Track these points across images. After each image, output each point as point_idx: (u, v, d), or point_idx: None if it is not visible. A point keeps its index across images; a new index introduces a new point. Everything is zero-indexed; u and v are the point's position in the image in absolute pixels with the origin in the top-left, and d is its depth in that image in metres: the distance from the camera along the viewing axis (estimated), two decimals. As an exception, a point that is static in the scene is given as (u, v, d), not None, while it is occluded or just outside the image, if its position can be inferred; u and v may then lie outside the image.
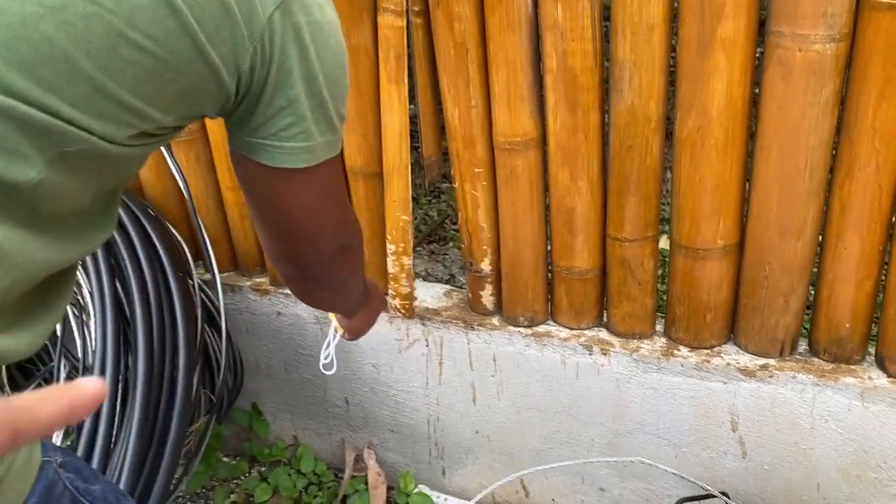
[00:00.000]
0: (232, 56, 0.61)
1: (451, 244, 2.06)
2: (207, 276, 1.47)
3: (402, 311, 1.37)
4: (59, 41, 0.52)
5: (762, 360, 1.21)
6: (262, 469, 1.65)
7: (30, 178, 0.54)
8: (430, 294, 1.43)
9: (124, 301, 1.30)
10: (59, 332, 1.37)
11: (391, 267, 1.33)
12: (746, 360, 1.22)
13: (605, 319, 1.31)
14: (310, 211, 0.77)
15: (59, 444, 1.26)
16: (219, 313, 1.44)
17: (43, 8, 0.51)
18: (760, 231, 1.12)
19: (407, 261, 1.31)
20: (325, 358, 1.08)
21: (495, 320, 1.35)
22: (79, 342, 1.30)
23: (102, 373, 1.18)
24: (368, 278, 0.99)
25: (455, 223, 1.97)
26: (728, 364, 1.22)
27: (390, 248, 1.31)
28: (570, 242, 1.23)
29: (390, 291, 1.36)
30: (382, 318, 1.41)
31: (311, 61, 0.67)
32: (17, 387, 1.51)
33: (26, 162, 0.54)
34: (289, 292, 1.47)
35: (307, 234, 0.79)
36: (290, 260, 0.82)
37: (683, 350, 1.25)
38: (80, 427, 1.19)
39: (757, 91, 1.05)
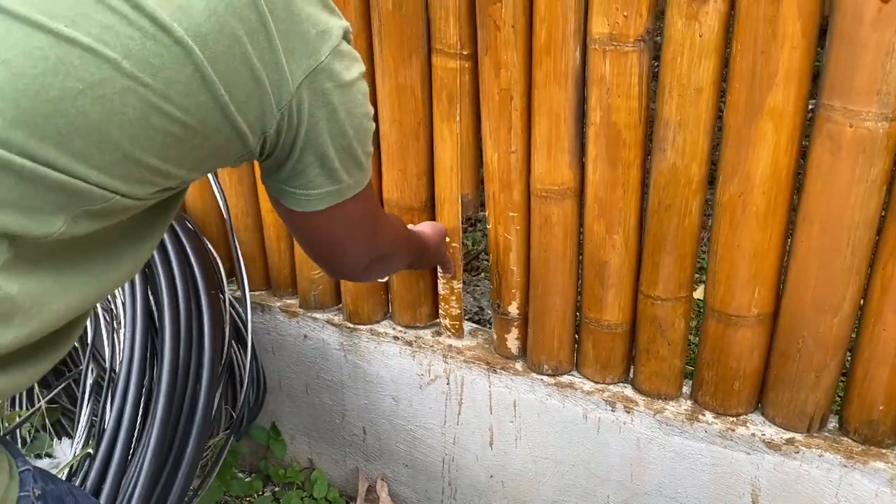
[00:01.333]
0: (259, 122, 0.63)
1: (483, 275, 2.06)
2: (239, 293, 1.48)
3: (452, 331, 1.38)
4: (94, 114, 0.54)
5: (789, 434, 1.17)
6: (276, 490, 1.65)
7: (52, 231, 0.56)
8: (456, 332, 1.42)
9: (155, 311, 1.32)
10: (89, 337, 1.40)
11: (442, 289, 1.36)
12: (772, 432, 1.18)
13: (630, 376, 1.29)
14: (339, 238, 0.83)
15: (79, 450, 1.28)
16: (246, 330, 1.45)
17: (83, 84, 0.53)
18: (796, 303, 1.09)
19: (457, 284, 1.34)
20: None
21: (518, 365, 1.34)
22: (107, 349, 1.33)
23: (128, 381, 1.20)
24: (413, 233, 1.12)
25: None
26: (753, 434, 1.18)
27: (440, 272, 1.34)
28: (601, 295, 1.22)
29: (440, 312, 1.39)
30: (405, 351, 1.41)
31: (340, 120, 0.69)
32: (47, 385, 1.54)
33: (51, 218, 0.55)
34: (317, 316, 1.48)
35: (338, 254, 0.86)
36: (328, 268, 0.92)
37: (709, 415, 1.22)
38: (100, 434, 1.21)
39: (802, 162, 1.03)
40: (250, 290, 1.49)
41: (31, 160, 0.53)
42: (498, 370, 1.34)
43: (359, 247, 0.87)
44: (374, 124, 0.76)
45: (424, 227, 1.22)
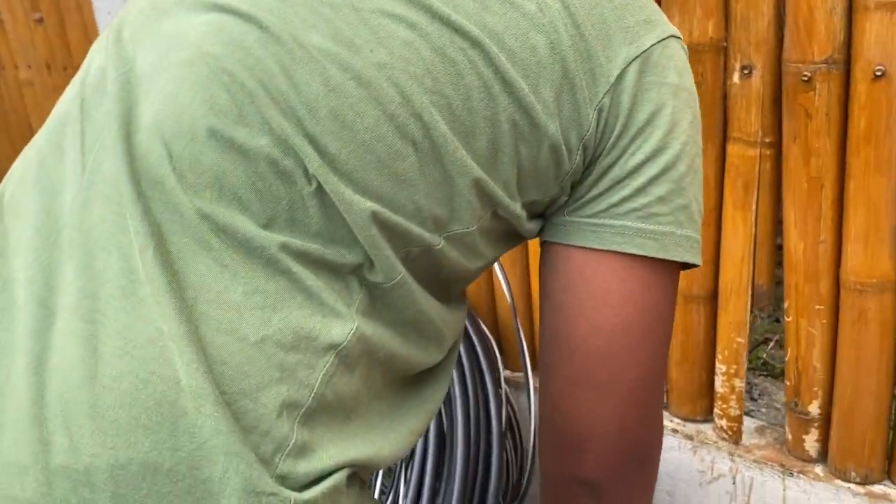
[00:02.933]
0: (574, 124, 0.55)
1: (758, 373, 1.94)
2: (507, 373, 1.52)
3: (729, 434, 1.31)
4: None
5: None
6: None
7: (394, 277, 0.54)
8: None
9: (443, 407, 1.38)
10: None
11: (720, 387, 1.29)
12: None
13: (958, 491, 1.14)
14: (626, 336, 0.57)
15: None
16: (514, 416, 1.47)
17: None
18: None
19: (739, 383, 1.27)
20: None
21: (818, 469, 1.24)
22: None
23: (423, 465, 1.25)
24: None
25: (769, 350, 1.86)
26: None
27: (721, 368, 1.28)
28: (924, 399, 1.10)
29: (716, 412, 1.32)
30: (685, 445, 1.36)
31: (664, 126, 0.55)
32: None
33: (392, 261, 0.54)
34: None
35: (602, 378, 0.58)
36: (567, 462, 0.61)
37: None
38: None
39: None
40: (512, 371, 1.52)
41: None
42: (795, 473, 1.24)
43: (644, 378, 0.58)
44: (702, 172, 0.60)
45: None
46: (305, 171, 0.52)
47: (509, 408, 1.49)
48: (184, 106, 0.52)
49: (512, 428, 1.45)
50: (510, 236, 0.62)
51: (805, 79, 1.05)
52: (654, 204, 0.55)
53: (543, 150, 0.55)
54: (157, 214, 0.51)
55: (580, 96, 0.55)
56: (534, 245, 1.45)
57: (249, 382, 0.50)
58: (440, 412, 1.33)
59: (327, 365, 0.52)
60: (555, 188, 0.57)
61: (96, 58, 0.59)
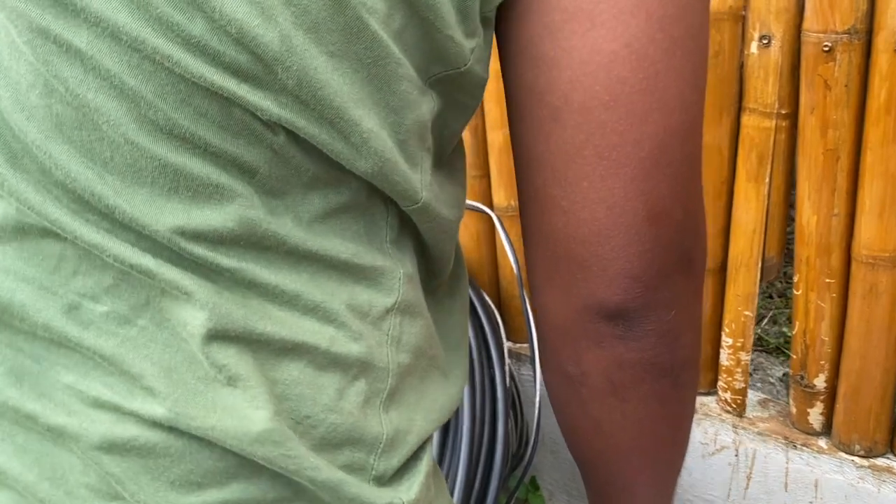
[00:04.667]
0: None
1: (762, 347, 1.95)
2: (509, 345, 1.51)
3: (733, 406, 1.32)
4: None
5: None
6: (533, 545, 1.64)
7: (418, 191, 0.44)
8: (743, 400, 1.36)
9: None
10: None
11: (725, 360, 1.29)
12: None
13: (961, 464, 1.15)
14: (640, 62, 0.38)
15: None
16: (518, 394, 1.47)
17: None
18: None
19: (744, 356, 1.27)
20: None
21: (822, 442, 1.25)
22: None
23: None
24: None
25: (763, 325, 1.86)
26: None
27: (727, 341, 1.28)
28: (931, 373, 1.11)
29: (721, 384, 1.32)
30: (688, 417, 1.36)
31: None
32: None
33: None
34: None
35: (612, 140, 0.39)
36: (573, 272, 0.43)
37: None
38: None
39: None
40: (514, 342, 1.52)
41: None
42: (798, 446, 1.25)
43: (676, 142, 0.40)
44: None
45: None
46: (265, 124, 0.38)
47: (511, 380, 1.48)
48: None
49: (514, 399, 1.45)
50: None
51: (826, 49, 1.04)
52: None
53: None
54: None
55: None
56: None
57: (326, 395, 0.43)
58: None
59: (391, 329, 0.45)
60: None
61: None
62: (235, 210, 0.38)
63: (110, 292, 0.38)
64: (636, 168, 0.40)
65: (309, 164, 0.40)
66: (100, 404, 0.39)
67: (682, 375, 0.47)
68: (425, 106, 0.42)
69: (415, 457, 0.47)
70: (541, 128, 0.41)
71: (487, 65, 0.44)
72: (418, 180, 0.43)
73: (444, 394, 0.50)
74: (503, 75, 0.45)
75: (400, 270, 0.45)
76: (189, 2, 0.34)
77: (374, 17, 0.37)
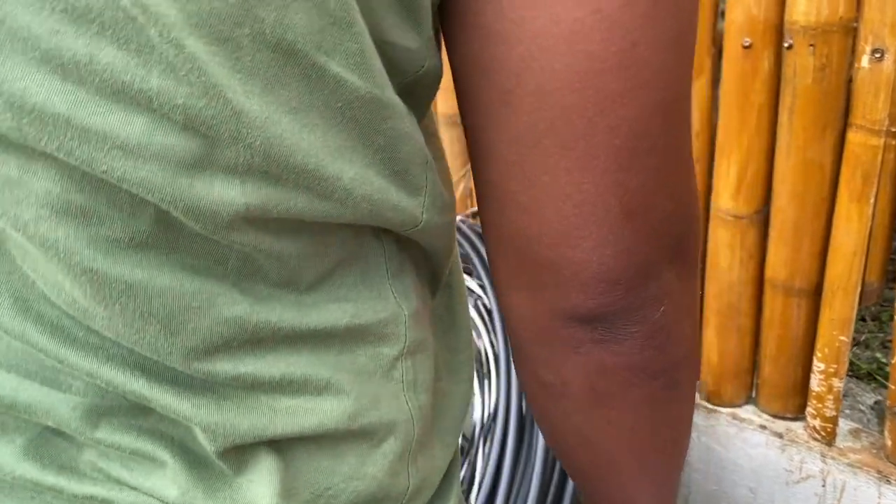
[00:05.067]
0: None
1: (852, 372, 1.87)
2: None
3: (822, 434, 1.26)
4: None
5: None
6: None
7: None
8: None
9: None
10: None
11: (816, 386, 1.24)
12: None
13: None
14: (612, 29, 0.31)
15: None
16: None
17: None
18: None
19: (837, 383, 1.22)
20: None
21: (919, 479, 1.18)
22: (478, 400, 1.38)
23: (505, 431, 1.24)
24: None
25: (853, 349, 1.78)
26: None
27: (819, 366, 1.22)
28: None
29: (810, 411, 1.27)
30: (773, 442, 1.31)
31: None
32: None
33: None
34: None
35: (580, 124, 0.32)
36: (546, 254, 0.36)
37: None
38: (470, 480, 1.26)
39: None
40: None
41: None
42: (893, 481, 1.19)
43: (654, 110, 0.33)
44: None
45: None
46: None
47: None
48: None
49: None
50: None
51: (946, 65, 0.98)
52: None
53: None
54: None
55: None
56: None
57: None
58: (510, 384, 1.31)
59: (404, 374, 0.40)
60: None
61: None
62: (217, 313, 0.33)
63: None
64: (609, 159, 0.33)
65: (285, 244, 0.34)
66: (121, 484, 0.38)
67: (677, 375, 0.40)
68: (413, 126, 0.36)
69: (437, 496, 0.44)
70: (489, 113, 0.34)
71: (440, 49, 0.38)
72: (419, 204, 0.37)
73: (451, 417, 0.46)
74: (445, 43, 0.36)
75: (404, 313, 0.40)
76: (128, 102, 0.28)
77: (330, 56, 0.31)
